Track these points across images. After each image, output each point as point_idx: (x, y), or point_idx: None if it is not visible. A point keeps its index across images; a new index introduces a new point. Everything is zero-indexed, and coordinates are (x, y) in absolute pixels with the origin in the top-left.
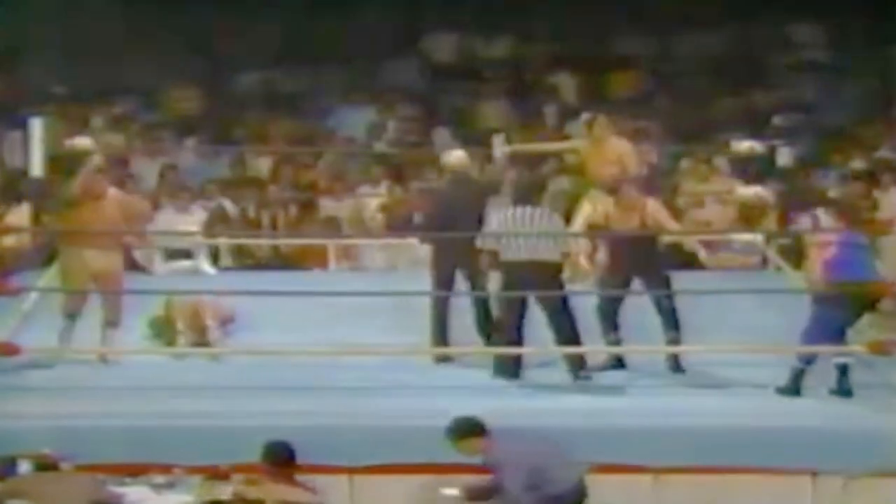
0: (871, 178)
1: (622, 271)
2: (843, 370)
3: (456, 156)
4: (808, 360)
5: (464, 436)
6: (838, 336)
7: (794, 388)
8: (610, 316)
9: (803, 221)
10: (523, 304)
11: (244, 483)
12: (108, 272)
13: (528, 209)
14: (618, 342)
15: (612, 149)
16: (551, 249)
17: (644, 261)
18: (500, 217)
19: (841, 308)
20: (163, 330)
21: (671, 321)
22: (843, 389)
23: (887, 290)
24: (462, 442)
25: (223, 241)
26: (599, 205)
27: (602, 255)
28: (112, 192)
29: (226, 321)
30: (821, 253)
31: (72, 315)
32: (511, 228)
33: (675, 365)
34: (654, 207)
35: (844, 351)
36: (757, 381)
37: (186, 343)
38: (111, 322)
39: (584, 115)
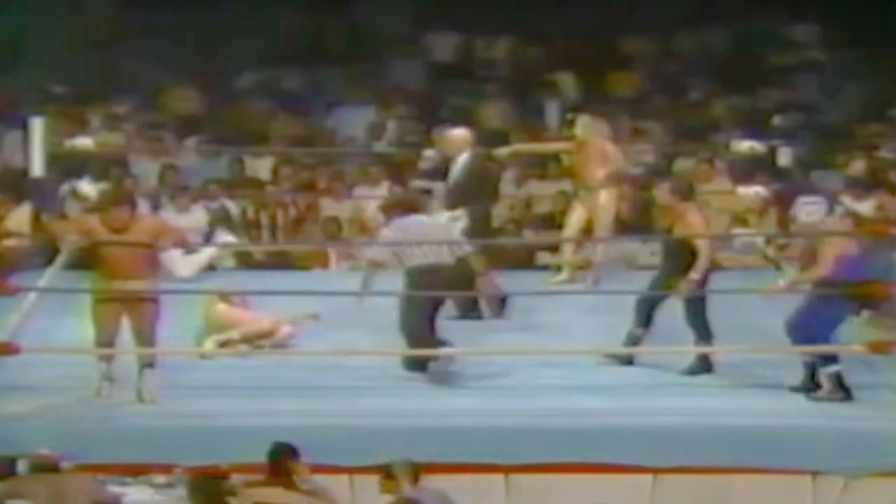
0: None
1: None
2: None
3: (460, 132)
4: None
5: (388, 476)
6: (831, 331)
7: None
8: (642, 311)
9: (820, 203)
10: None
11: (244, 485)
12: (138, 303)
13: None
14: (637, 340)
15: (595, 149)
16: (452, 252)
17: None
18: (399, 226)
19: (843, 306)
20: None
21: (701, 333)
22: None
23: (888, 291)
24: (385, 482)
25: (224, 243)
26: (588, 205)
27: (598, 254)
28: (141, 218)
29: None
30: (838, 247)
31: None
32: (414, 234)
33: (705, 365)
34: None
35: (844, 350)
36: (756, 382)
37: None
38: (146, 363)
39: (568, 116)
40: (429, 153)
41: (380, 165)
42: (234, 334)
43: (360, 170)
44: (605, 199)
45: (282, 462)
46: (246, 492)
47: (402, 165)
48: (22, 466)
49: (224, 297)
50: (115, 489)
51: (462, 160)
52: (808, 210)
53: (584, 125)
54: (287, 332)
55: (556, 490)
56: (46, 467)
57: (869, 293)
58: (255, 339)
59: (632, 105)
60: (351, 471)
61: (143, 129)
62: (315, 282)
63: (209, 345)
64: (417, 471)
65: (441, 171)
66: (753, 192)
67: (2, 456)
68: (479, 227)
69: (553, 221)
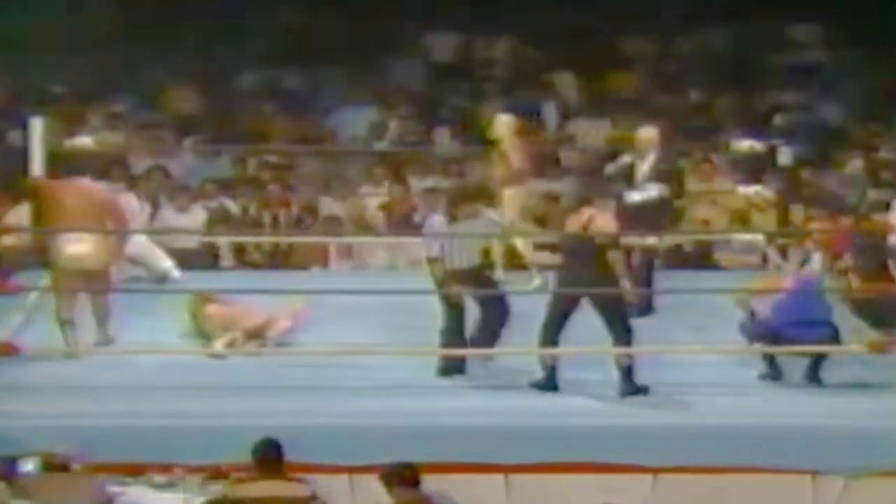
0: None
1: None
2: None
3: (649, 131)
4: None
5: (391, 482)
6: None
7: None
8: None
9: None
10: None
11: (233, 482)
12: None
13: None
14: None
15: (505, 147)
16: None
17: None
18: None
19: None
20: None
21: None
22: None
23: (887, 290)
24: (389, 488)
25: (224, 241)
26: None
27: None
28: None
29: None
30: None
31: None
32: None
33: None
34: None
35: (844, 351)
36: (756, 381)
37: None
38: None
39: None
40: (624, 159)
41: (381, 165)
42: (237, 333)
43: (362, 169)
44: (507, 198)
45: (267, 457)
46: (235, 488)
47: (403, 165)
48: (32, 466)
49: (211, 297)
50: (114, 489)
51: (650, 160)
52: None
53: (501, 125)
54: (285, 326)
55: (556, 490)
56: (57, 467)
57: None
58: (257, 334)
59: (632, 105)
60: (351, 471)
61: (142, 128)
62: (315, 281)
63: (218, 346)
64: (416, 472)
65: (627, 174)
66: (754, 191)
67: (2, 456)
68: (663, 222)
69: (545, 220)
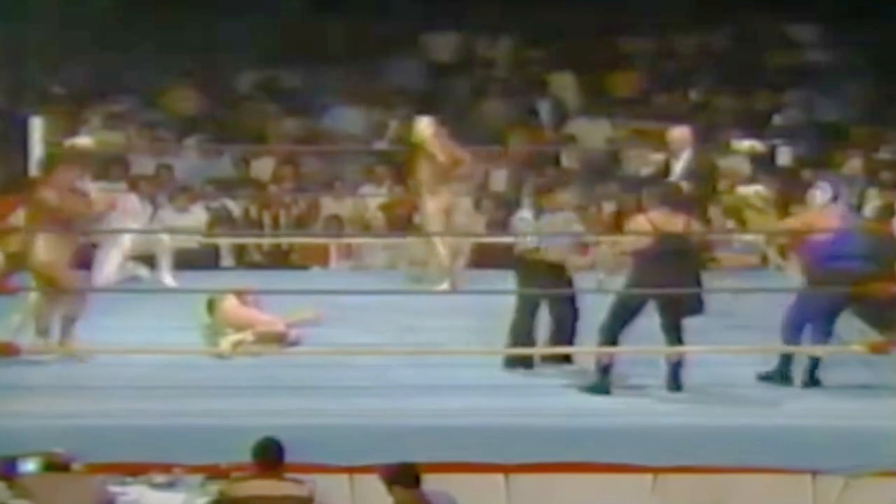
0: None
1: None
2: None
3: (682, 131)
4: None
5: (392, 482)
6: (823, 322)
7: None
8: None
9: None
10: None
11: (230, 481)
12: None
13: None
14: None
15: (427, 150)
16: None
17: None
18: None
19: (828, 297)
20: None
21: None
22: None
23: (887, 290)
24: (391, 488)
25: (224, 241)
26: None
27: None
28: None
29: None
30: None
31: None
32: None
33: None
34: None
35: (844, 351)
36: (755, 381)
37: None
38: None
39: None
40: (654, 157)
41: (381, 165)
42: (249, 335)
43: (362, 169)
44: (430, 202)
45: (267, 457)
46: (232, 487)
47: (403, 165)
48: (32, 466)
49: (239, 294)
50: (115, 489)
51: (685, 158)
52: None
53: (421, 128)
54: (297, 335)
55: (556, 490)
56: (56, 467)
57: (867, 292)
58: (268, 342)
59: (632, 105)
60: (351, 471)
61: (142, 128)
62: (315, 281)
63: (224, 345)
64: (417, 472)
65: (662, 175)
66: (754, 190)
67: (2, 456)
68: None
69: None
